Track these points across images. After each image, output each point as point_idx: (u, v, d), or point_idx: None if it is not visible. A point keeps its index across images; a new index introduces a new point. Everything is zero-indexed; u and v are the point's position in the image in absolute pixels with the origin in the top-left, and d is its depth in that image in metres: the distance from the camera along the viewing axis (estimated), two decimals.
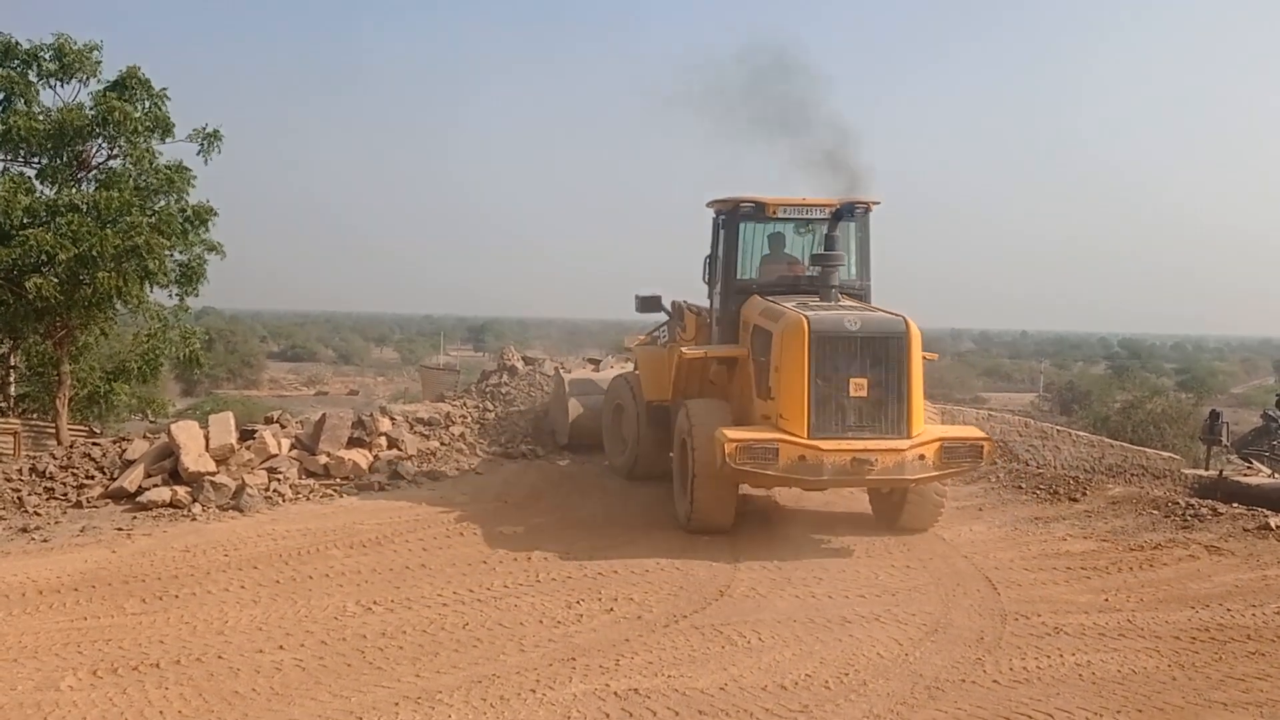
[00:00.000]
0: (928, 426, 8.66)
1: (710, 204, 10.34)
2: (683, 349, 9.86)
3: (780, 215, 9.83)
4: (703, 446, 8.62)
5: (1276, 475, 13.79)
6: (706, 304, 10.49)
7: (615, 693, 5.49)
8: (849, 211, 9.73)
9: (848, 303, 9.24)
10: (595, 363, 13.64)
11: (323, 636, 6.31)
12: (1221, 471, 12.85)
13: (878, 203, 9.91)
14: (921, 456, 8.29)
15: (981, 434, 8.88)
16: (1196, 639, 6.41)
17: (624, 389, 11.37)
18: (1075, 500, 10.28)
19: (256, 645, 6.16)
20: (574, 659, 5.96)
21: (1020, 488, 10.87)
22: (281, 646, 6.14)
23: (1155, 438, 25.22)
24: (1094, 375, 63.44)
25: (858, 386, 8.35)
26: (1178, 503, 9.84)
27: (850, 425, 8.35)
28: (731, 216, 9.88)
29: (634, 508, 9.88)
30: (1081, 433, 15.98)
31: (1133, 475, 13.02)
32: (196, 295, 15.64)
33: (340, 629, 6.45)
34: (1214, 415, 14.87)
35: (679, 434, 9.44)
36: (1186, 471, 13.56)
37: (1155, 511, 9.62)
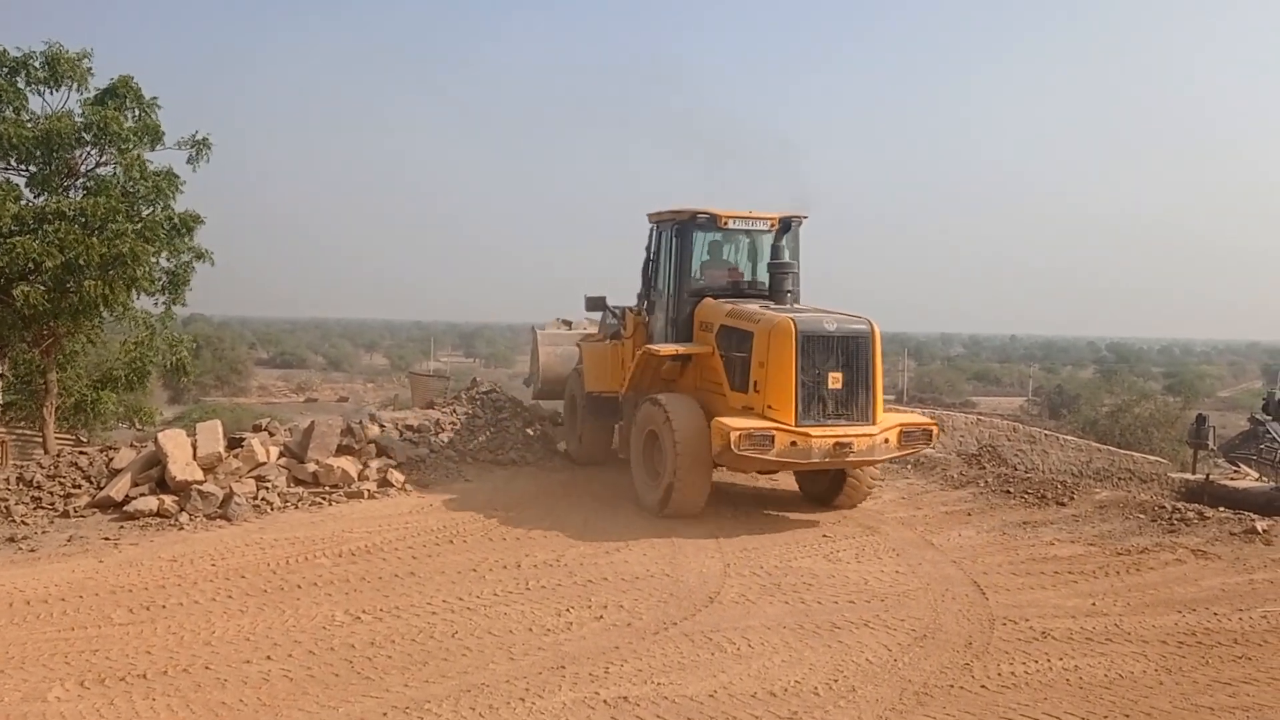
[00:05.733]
0: (886, 414, 9.71)
1: (656, 215, 11.04)
2: (651, 346, 10.48)
3: (729, 226, 10.67)
4: (686, 437, 9.38)
5: (1263, 479, 13.87)
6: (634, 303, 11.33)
7: (605, 701, 5.48)
8: (788, 224, 10.76)
9: (799, 305, 10.12)
10: (568, 324, 14.44)
11: (311, 646, 6.29)
12: (1208, 475, 12.94)
13: (806, 216, 10.90)
14: (886, 440, 9.37)
15: (930, 420, 10.07)
16: (1184, 643, 6.44)
17: (577, 382, 12.09)
18: (1063, 504, 10.31)
19: (244, 655, 6.14)
20: (563, 667, 5.96)
21: (1008, 492, 10.90)
22: (269, 657, 6.12)
23: (1143, 442, 25.43)
24: (1082, 379, 63.83)
25: (834, 380, 9.31)
26: (1164, 507, 9.87)
27: (829, 414, 9.31)
28: (686, 226, 10.61)
29: (623, 515, 9.88)
30: (1069, 437, 16.09)
31: (1120, 479, 13.13)
32: (184, 305, 15.64)
33: (328, 638, 6.43)
34: (1201, 419, 14.94)
35: (644, 425, 10.03)
36: (1173, 475, 13.66)
37: (1142, 515, 9.67)
